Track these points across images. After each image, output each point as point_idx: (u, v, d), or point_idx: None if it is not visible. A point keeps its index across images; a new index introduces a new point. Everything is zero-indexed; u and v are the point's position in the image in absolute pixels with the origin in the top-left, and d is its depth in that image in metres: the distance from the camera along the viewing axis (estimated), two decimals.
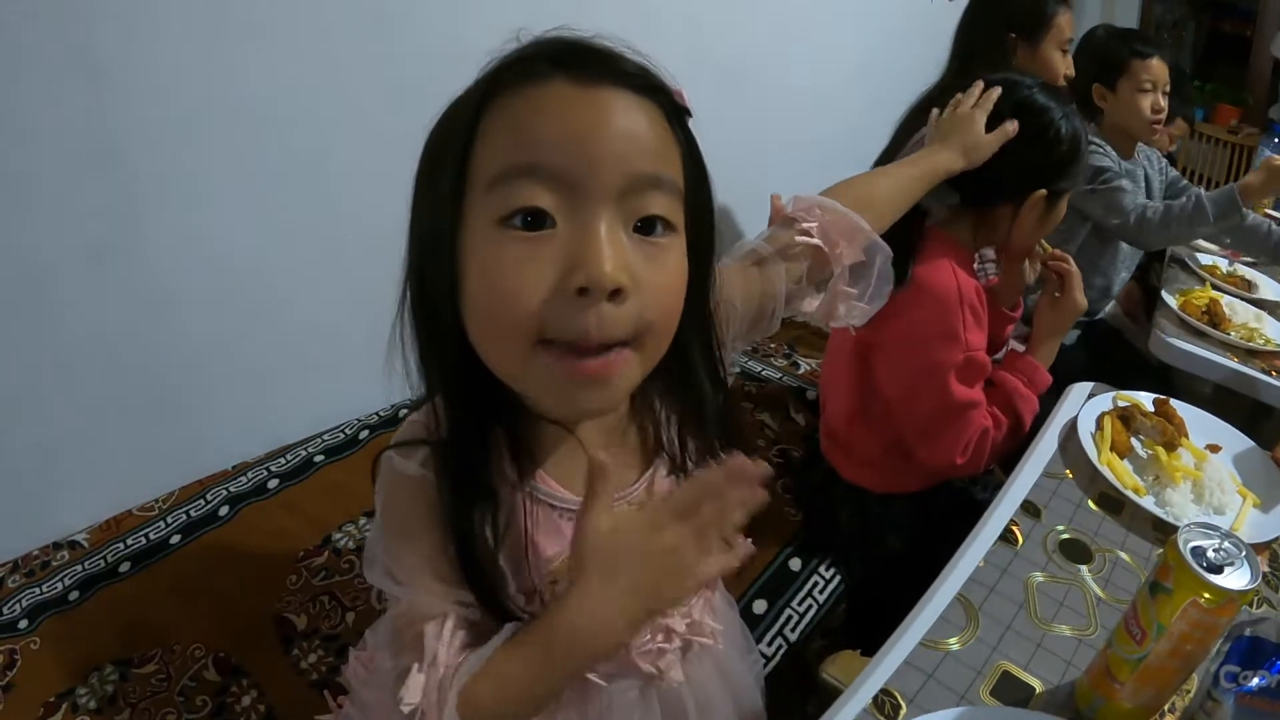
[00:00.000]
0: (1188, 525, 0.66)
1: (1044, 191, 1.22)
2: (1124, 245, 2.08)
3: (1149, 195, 2.13)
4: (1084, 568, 0.93)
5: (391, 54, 1.59)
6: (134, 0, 1.28)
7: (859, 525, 1.48)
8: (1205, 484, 1.10)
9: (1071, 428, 1.19)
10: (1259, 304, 1.93)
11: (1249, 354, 1.66)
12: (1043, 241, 1.32)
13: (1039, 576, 0.90)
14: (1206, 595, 0.61)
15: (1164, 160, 2.34)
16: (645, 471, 0.72)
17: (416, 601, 0.63)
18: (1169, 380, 1.80)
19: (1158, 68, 1.96)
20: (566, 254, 0.53)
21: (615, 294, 0.53)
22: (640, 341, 0.57)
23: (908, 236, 1.25)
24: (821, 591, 1.46)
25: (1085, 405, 1.25)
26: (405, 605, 0.64)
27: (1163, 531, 1.04)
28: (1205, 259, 2.19)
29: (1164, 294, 1.82)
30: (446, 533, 0.62)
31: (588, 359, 0.55)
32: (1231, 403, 1.64)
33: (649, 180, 0.55)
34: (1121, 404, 1.25)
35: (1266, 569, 1.02)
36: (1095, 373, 2.08)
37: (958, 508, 1.33)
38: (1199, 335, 1.69)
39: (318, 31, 1.51)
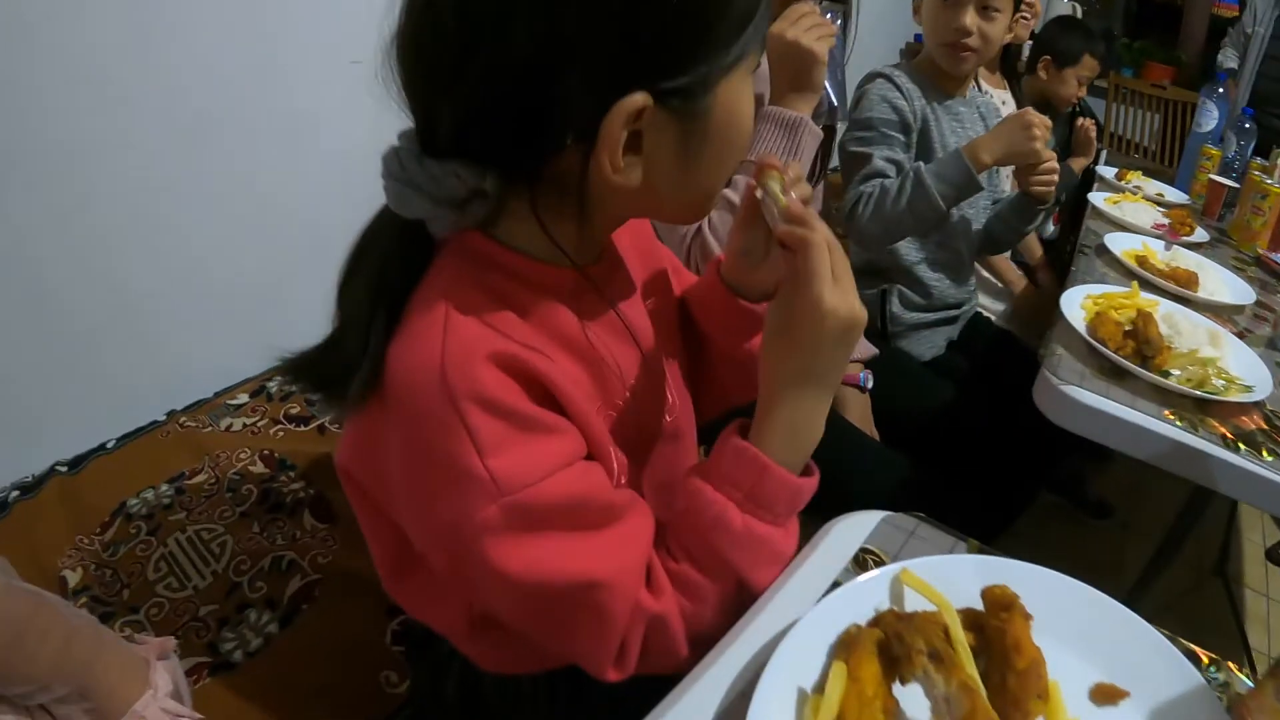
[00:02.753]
0: None
1: (640, 98, 0.45)
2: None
3: None
4: None
5: None
6: None
7: (473, 713, 0.73)
8: None
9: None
10: (1202, 309, 1.17)
11: (1199, 407, 0.90)
12: (778, 195, 0.55)
13: None
14: None
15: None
16: None
17: None
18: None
19: None
20: None
21: None
22: None
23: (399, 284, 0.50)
24: None
25: (833, 597, 0.48)
26: None
27: None
28: (1127, 240, 1.42)
29: (1063, 303, 1.05)
30: None
31: None
32: None
33: None
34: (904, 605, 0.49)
35: None
36: (975, 406, 1.37)
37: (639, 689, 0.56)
38: (1119, 376, 0.93)
39: None
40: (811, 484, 0.56)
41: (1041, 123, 1.17)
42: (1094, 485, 1.99)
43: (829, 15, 0.98)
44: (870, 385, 1.27)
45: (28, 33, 1.06)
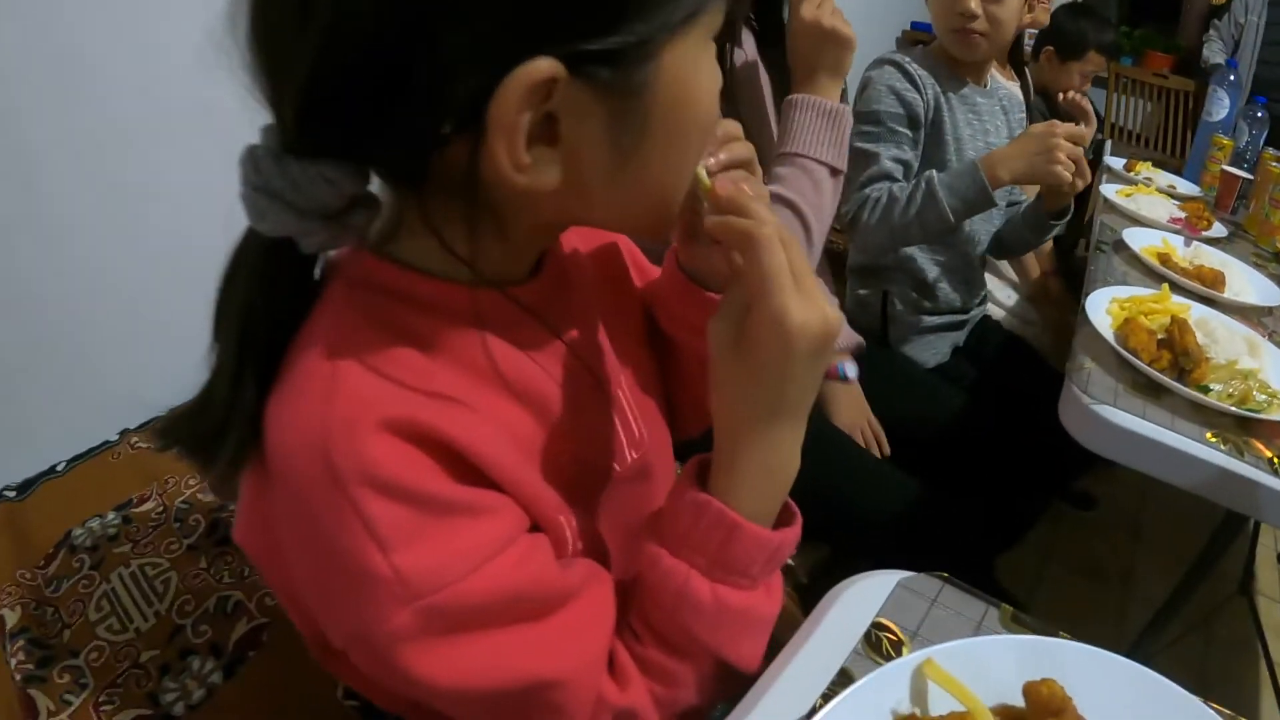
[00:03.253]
0: None
1: (546, 65, 0.32)
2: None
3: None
4: None
5: None
6: None
7: None
8: None
9: None
10: (1228, 310, 1.06)
11: (1241, 427, 0.79)
12: (701, 174, 0.43)
13: None
14: None
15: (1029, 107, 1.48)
16: None
17: None
18: None
19: None
20: None
21: None
22: None
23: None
24: None
25: (840, 701, 0.37)
26: None
27: None
28: (1146, 235, 1.32)
29: (1088, 308, 0.94)
30: None
31: None
32: None
33: None
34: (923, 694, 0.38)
35: None
36: (984, 416, 1.27)
37: None
38: (1154, 392, 0.82)
39: None
40: (793, 535, 0.45)
41: (1069, 148, 1.07)
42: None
43: None
44: (852, 375, 1.15)
45: None
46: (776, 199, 0.83)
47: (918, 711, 0.41)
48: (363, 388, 0.36)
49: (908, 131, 1.18)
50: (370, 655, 0.36)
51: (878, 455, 1.14)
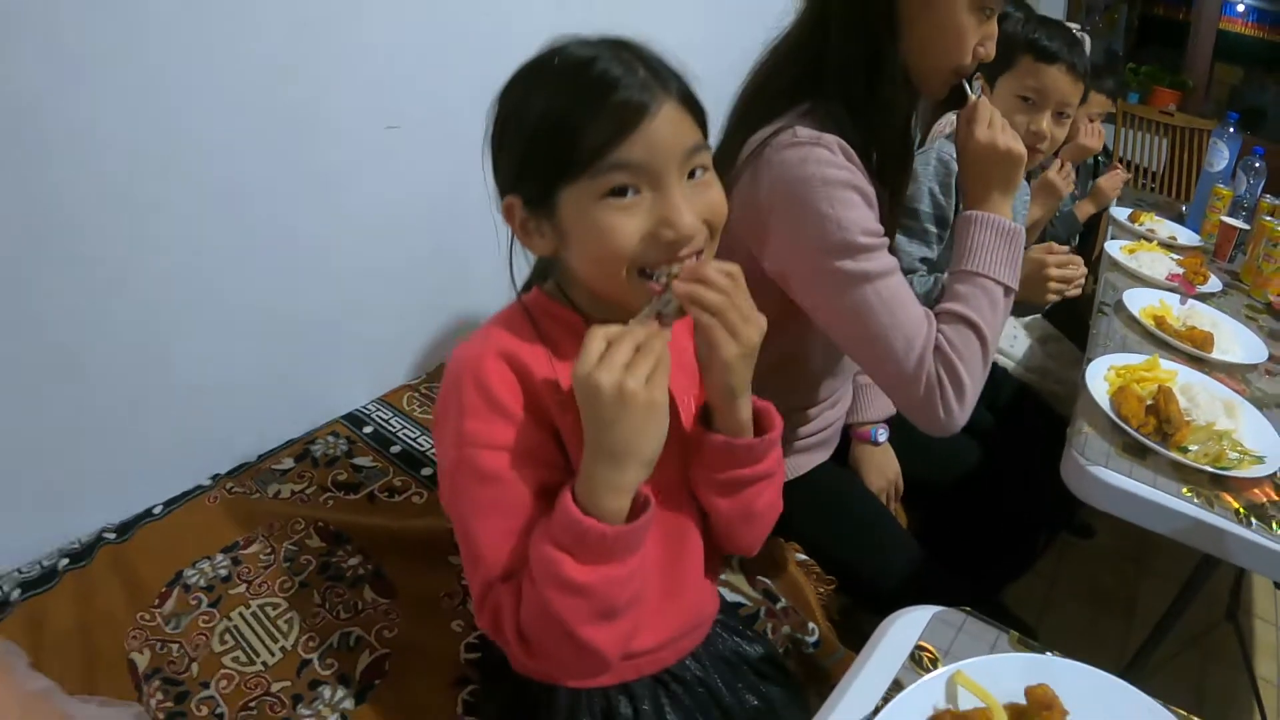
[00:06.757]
0: None
1: (509, 199, 0.69)
2: None
3: None
4: None
5: None
6: None
7: None
8: None
9: None
10: (1216, 369, 1.27)
11: (1215, 482, 0.99)
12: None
13: None
14: None
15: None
16: None
17: None
18: None
19: (1057, 80, 1.30)
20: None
21: None
22: None
23: None
24: None
25: (897, 701, 0.57)
26: None
27: None
28: (1144, 296, 1.52)
29: (1087, 374, 1.15)
30: None
31: None
32: None
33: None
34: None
35: None
36: (997, 459, 1.42)
37: None
38: (1141, 453, 1.02)
39: None
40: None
41: (1058, 276, 1.20)
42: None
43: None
44: (883, 439, 1.32)
45: (36, 101, 1.03)
46: (958, 318, 0.92)
47: (951, 708, 0.61)
48: (498, 339, 0.69)
49: (936, 230, 1.33)
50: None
51: (894, 510, 1.30)
